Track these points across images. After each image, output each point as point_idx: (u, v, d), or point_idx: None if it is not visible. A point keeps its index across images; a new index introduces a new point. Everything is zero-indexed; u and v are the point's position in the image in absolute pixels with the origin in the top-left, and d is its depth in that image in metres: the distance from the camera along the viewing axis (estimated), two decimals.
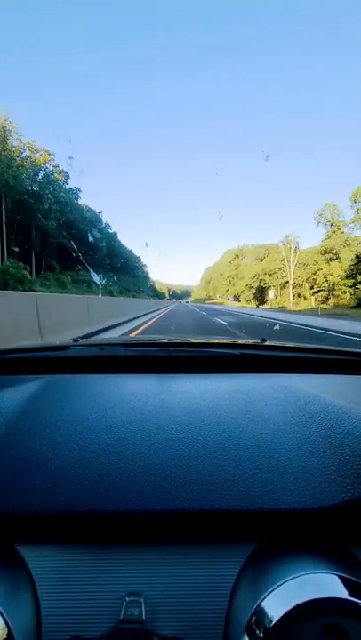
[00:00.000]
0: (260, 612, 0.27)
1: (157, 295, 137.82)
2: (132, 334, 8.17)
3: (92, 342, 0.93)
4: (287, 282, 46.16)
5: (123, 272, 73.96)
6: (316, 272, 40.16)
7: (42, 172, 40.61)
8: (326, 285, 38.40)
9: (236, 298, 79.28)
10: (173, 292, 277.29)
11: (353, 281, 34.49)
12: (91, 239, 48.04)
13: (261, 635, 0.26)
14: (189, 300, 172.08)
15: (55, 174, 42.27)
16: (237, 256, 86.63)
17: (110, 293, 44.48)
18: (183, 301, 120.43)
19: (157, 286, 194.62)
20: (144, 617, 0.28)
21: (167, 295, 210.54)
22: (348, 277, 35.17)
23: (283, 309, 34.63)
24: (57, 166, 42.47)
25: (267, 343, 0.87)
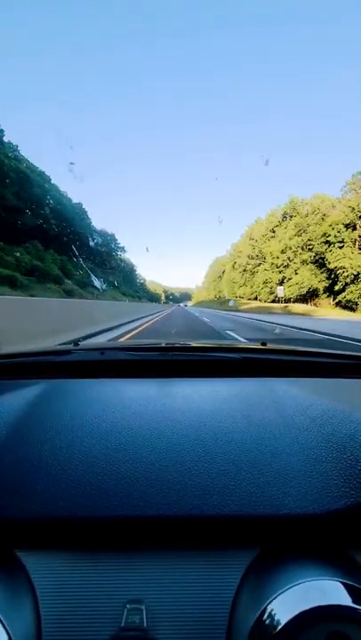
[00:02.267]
0: (263, 620, 0.26)
1: (151, 297, 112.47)
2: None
3: (92, 346, 0.92)
4: None
5: (60, 245, 34.31)
6: None
7: None
8: None
9: (306, 297, 37.47)
10: (171, 294, 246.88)
11: None
12: None
13: None
14: (189, 303, 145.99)
15: None
16: (286, 217, 45.36)
17: None
18: (182, 304, 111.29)
19: (151, 287, 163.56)
20: (145, 625, 0.28)
21: (163, 297, 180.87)
22: None
23: None
24: None
25: (268, 347, 0.86)
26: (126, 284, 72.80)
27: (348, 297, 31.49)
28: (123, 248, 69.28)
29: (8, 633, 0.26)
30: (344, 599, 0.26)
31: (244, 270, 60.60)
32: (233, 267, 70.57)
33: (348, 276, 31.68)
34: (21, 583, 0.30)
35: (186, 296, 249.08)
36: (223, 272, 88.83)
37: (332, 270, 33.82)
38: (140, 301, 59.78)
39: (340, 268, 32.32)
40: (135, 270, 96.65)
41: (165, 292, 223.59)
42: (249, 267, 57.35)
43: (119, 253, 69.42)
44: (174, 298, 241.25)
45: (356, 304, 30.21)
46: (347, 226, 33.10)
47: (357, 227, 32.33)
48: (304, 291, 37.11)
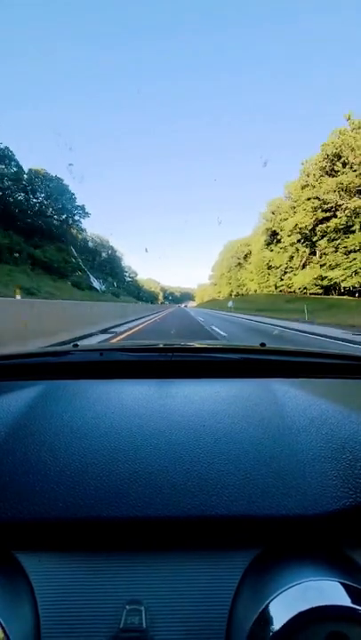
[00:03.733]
0: (261, 620, 0.26)
1: (147, 297, 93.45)
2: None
3: (91, 347, 0.93)
4: None
5: None
6: None
7: None
8: None
9: None
10: (171, 293, 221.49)
11: None
12: None
13: None
14: (191, 304, 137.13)
15: None
16: None
17: None
18: (182, 305, 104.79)
19: (148, 285, 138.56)
20: (144, 626, 0.28)
21: (161, 297, 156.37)
22: None
23: None
24: None
25: (267, 347, 0.86)
26: (97, 272, 45.95)
27: None
28: (83, 208, 42.29)
29: (7, 634, 0.26)
30: (343, 599, 0.26)
31: (299, 241, 33.49)
32: (266, 243, 43.49)
33: None
34: (20, 585, 0.30)
35: (187, 296, 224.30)
36: (245, 256, 61.75)
37: None
38: (119, 300, 33.45)
39: None
40: (121, 259, 70.42)
41: (164, 290, 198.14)
42: (320, 231, 29.94)
43: (79, 219, 42.46)
44: (174, 298, 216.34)
45: None
46: None
47: None
48: None
